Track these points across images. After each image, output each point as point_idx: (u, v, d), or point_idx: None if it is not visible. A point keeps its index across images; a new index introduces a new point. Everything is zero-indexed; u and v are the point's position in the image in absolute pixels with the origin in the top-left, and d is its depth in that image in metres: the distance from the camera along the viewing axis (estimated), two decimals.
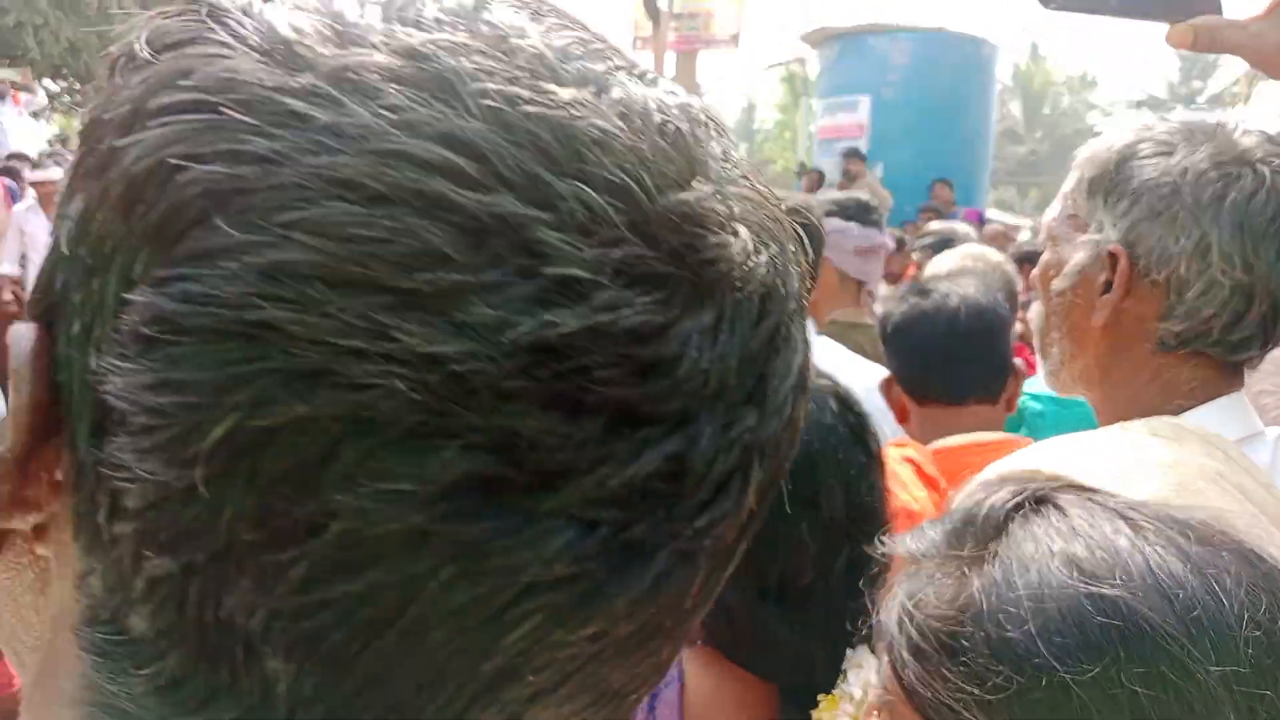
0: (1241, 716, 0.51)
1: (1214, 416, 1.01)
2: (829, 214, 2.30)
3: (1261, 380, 1.54)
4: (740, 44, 10.79)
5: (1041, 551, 0.56)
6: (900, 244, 5.44)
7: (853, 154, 9.26)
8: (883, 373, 1.90)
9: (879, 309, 1.84)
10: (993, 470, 1.06)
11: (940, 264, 2.76)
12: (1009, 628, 0.53)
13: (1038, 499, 0.61)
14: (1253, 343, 1.02)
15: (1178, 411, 1.01)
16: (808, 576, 0.95)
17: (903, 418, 1.74)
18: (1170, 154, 1.01)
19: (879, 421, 1.90)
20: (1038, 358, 1.22)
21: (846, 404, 1.04)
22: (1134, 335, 1.04)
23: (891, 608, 0.60)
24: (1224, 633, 0.51)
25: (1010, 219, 11.52)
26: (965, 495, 0.65)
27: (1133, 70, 33.01)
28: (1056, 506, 0.60)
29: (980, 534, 0.60)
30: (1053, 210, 1.13)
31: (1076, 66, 35.44)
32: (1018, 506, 0.60)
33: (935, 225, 6.11)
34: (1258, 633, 0.52)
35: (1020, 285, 2.97)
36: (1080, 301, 1.06)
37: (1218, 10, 0.95)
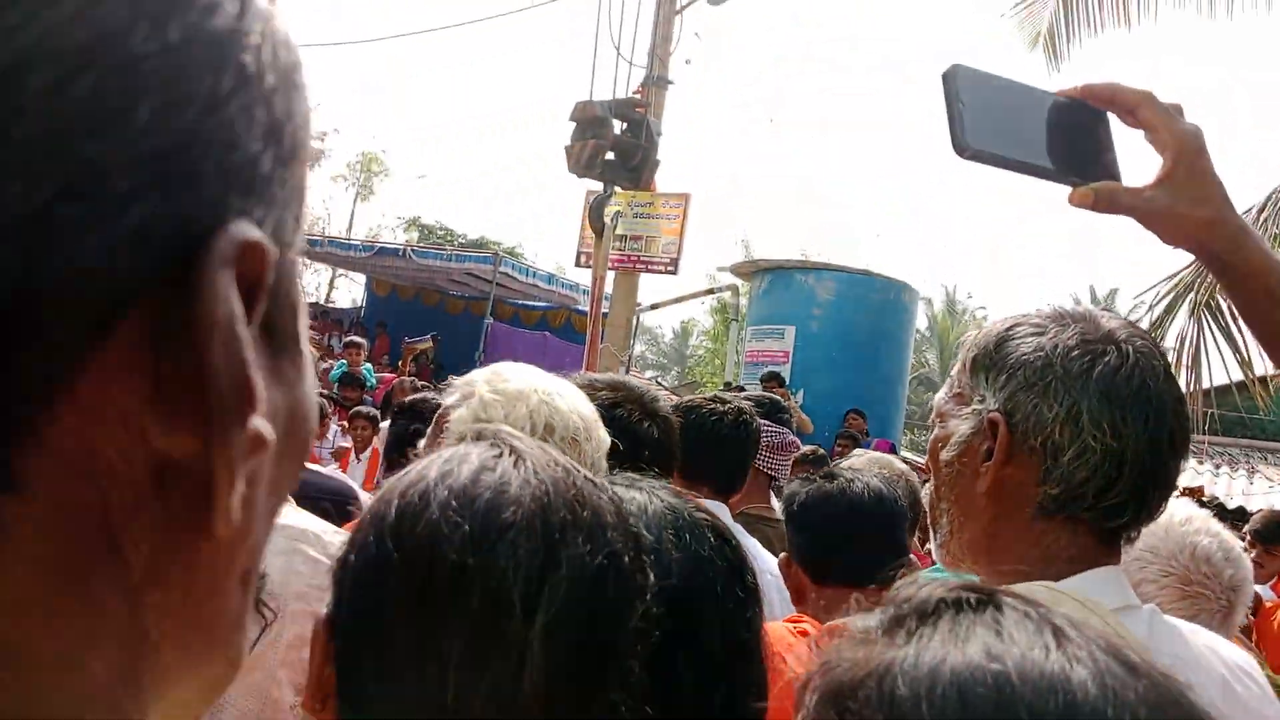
0: None
1: (1091, 585, 1.05)
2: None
3: (1141, 571, 1.65)
4: (679, 270, 11.26)
5: (961, 647, 0.55)
6: (809, 458, 5.60)
7: (770, 377, 9.57)
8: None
9: (786, 489, 1.93)
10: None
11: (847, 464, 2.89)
12: (901, 688, 0.53)
13: (982, 598, 0.60)
14: (1125, 509, 1.07)
15: (1056, 578, 1.05)
16: (685, 713, 0.90)
17: (799, 598, 1.79)
18: (1043, 333, 1.10)
19: (777, 602, 1.95)
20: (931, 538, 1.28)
21: (724, 538, 1.01)
22: (1016, 501, 1.09)
23: (807, 681, 0.59)
24: None
25: (921, 459, 11.82)
26: (903, 584, 0.63)
27: None
28: (997, 606, 0.59)
29: (908, 615, 0.59)
30: (942, 392, 1.21)
31: (991, 319, 37.56)
32: (958, 601, 0.59)
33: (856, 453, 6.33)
34: None
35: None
36: (966, 470, 1.12)
37: (1117, 176, 1.06)
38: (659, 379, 34.77)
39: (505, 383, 1.44)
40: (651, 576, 0.82)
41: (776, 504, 2.39)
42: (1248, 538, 5.02)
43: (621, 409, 1.67)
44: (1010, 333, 1.13)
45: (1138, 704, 0.52)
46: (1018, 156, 1.03)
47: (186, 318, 0.27)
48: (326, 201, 31.15)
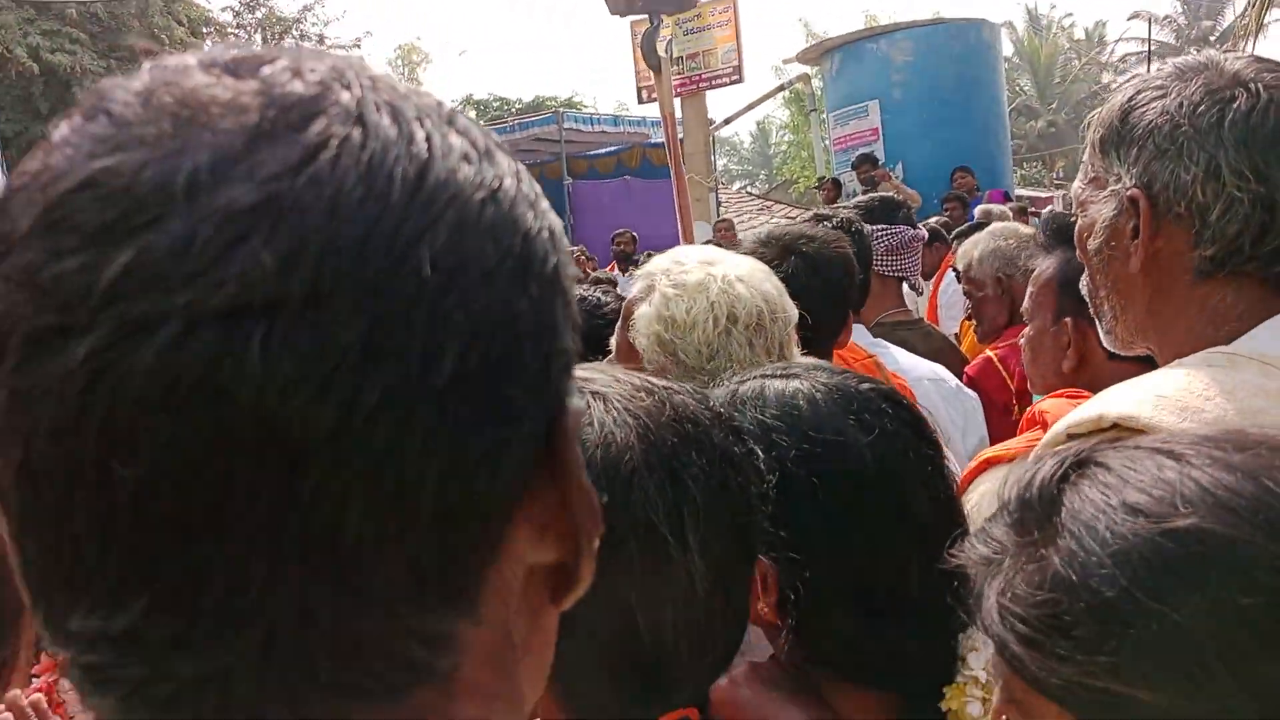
0: None
1: (1267, 338, 1.03)
2: (851, 219, 2.37)
3: None
4: (743, 75, 10.89)
5: (1102, 509, 0.57)
6: (936, 235, 5.44)
7: (862, 160, 9.23)
8: (937, 369, 1.94)
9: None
10: (1063, 423, 1.10)
11: (971, 247, 2.81)
12: (1105, 590, 0.55)
13: (1079, 463, 0.62)
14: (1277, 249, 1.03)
15: (1231, 338, 1.04)
16: (913, 584, 0.93)
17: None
18: (1166, 94, 1.05)
19: (940, 406, 1.96)
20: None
21: (899, 404, 1.02)
22: (1173, 271, 1.06)
23: (988, 609, 0.61)
24: None
25: (1038, 193, 11.39)
26: (1015, 478, 0.66)
27: (1138, 21, 32.51)
28: (1097, 463, 0.61)
29: (1040, 513, 0.61)
30: (1078, 180, 1.18)
31: (1079, 28, 34.99)
32: (1063, 476, 0.62)
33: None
34: None
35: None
36: (1117, 253, 1.09)
37: None
38: (747, 188, 34.12)
39: (685, 274, 1.46)
40: (760, 455, 0.87)
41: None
42: None
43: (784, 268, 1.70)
44: (1133, 102, 1.08)
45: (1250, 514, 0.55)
46: None
47: (554, 471, 0.38)
48: None
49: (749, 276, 1.46)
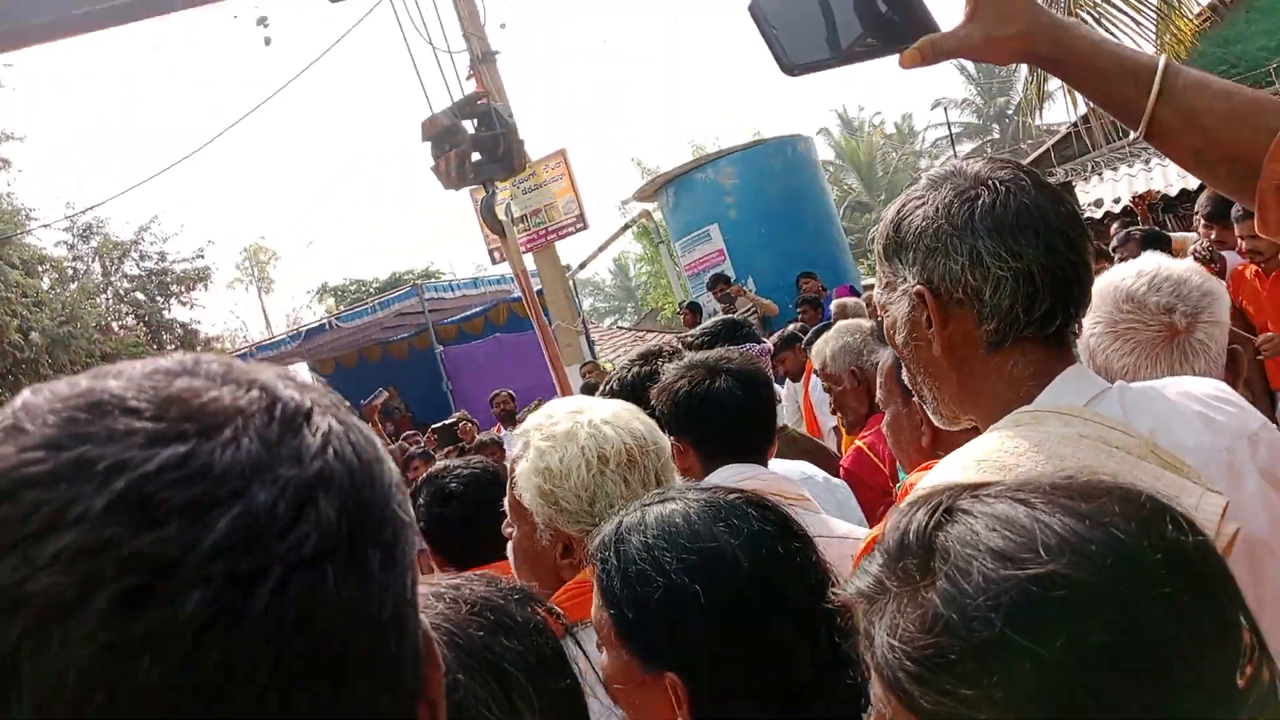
0: (1201, 613, 0.61)
1: (1059, 392, 1.18)
2: (701, 346, 2.48)
3: (1091, 343, 1.75)
4: (588, 221, 11.25)
5: (972, 555, 0.65)
6: (795, 339, 5.70)
7: (715, 281, 9.66)
8: (803, 467, 2.04)
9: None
10: (911, 495, 1.20)
11: (822, 345, 2.97)
12: (983, 630, 0.61)
13: (947, 510, 0.70)
14: (1055, 313, 1.18)
15: (1031, 397, 1.18)
16: (804, 668, 1.02)
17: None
18: (925, 203, 1.21)
19: (844, 500, 2.04)
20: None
21: (763, 507, 1.13)
22: (968, 349, 1.20)
23: (879, 646, 0.67)
24: (1141, 563, 0.62)
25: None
26: (891, 525, 0.74)
27: (940, 109, 35.33)
28: (963, 510, 0.69)
29: (918, 557, 0.68)
30: (875, 287, 1.34)
31: (890, 123, 37.72)
32: (936, 524, 0.69)
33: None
34: (1160, 551, 0.63)
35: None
36: (920, 343, 1.23)
37: (934, 27, 1.13)
38: (618, 323, 34.80)
39: (555, 425, 1.53)
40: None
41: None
42: (1200, 225, 5.16)
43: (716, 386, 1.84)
44: (901, 214, 1.24)
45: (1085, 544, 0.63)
46: (840, 54, 1.11)
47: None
48: (234, 310, 30.56)
49: (615, 418, 1.53)
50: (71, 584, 0.38)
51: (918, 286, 1.20)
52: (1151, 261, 1.76)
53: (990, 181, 1.18)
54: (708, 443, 1.87)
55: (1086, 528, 0.63)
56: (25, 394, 0.45)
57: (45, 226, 18.02)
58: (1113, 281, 1.75)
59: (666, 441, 1.57)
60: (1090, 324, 1.72)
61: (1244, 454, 1.18)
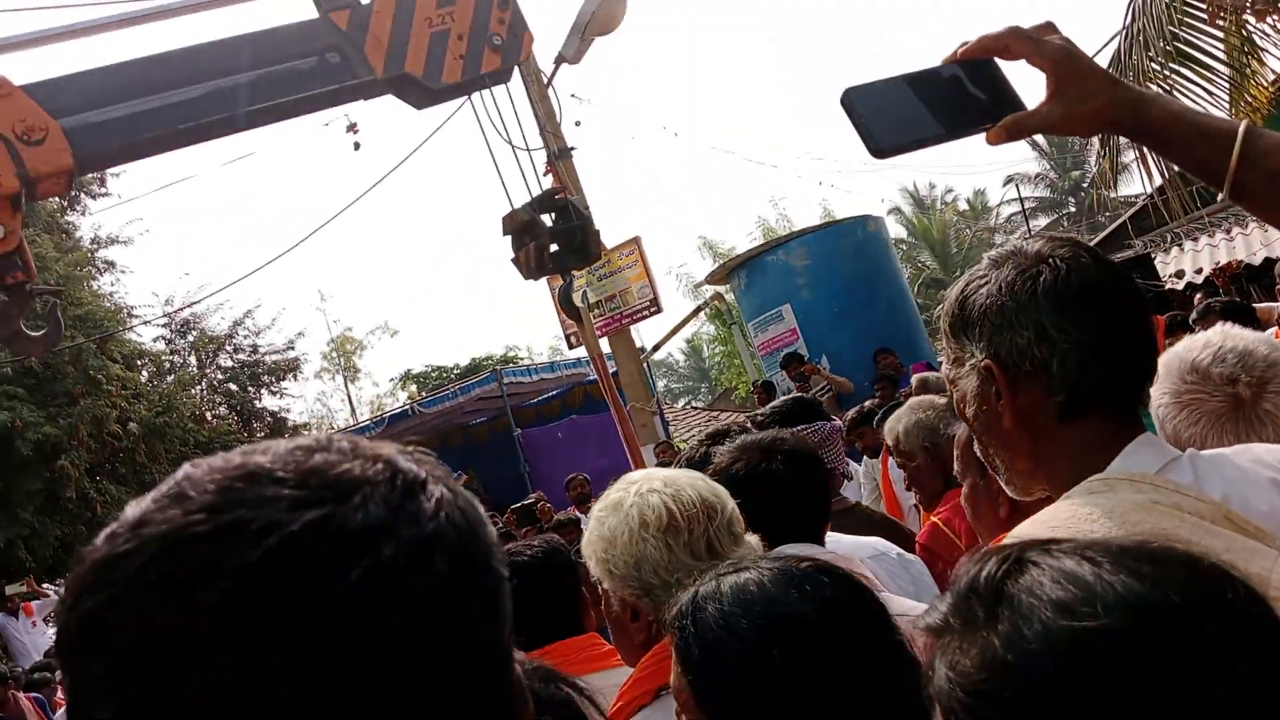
0: (1258, 680, 0.63)
1: (1130, 461, 1.21)
2: (770, 425, 2.52)
3: (1159, 414, 1.76)
4: (661, 305, 11.40)
5: (1035, 604, 0.69)
6: (872, 415, 5.66)
7: (789, 360, 9.68)
8: (877, 543, 2.06)
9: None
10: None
11: (894, 423, 2.99)
12: (1037, 675, 0.65)
13: (1016, 561, 0.74)
14: (1121, 385, 1.23)
15: (1103, 465, 1.21)
16: None
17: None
18: (988, 281, 1.26)
19: (919, 575, 2.04)
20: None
21: (833, 572, 1.18)
22: (1039, 420, 1.24)
23: (939, 680, 0.71)
24: (1189, 626, 0.65)
25: None
26: (963, 570, 0.78)
27: (1013, 185, 35.07)
28: (1031, 562, 0.73)
29: (984, 602, 0.72)
30: (944, 364, 1.38)
31: (962, 200, 37.52)
32: (1005, 573, 0.73)
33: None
34: (1218, 616, 0.66)
35: None
36: (991, 415, 1.27)
37: (1019, 105, 1.18)
38: (692, 402, 34.75)
39: (610, 496, 1.62)
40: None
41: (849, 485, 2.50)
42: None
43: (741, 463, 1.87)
44: (965, 292, 1.29)
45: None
46: (928, 134, 1.16)
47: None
48: (322, 398, 31.34)
49: (666, 485, 1.58)
50: (220, 624, 0.46)
51: (986, 361, 1.24)
52: (1219, 333, 1.78)
53: (1051, 259, 1.23)
54: (762, 524, 1.91)
55: (1146, 589, 0.67)
56: (187, 467, 0.54)
57: (146, 324, 18.93)
58: (1179, 353, 1.76)
59: (729, 506, 1.61)
60: (1158, 394, 1.74)
61: None
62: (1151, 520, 1.12)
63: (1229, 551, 1.05)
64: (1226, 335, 1.76)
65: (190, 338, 20.04)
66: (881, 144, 1.13)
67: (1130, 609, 0.66)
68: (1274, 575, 1.04)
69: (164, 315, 19.15)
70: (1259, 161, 1.10)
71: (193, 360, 19.99)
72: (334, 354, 30.65)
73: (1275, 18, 6.65)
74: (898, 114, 1.15)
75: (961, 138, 1.18)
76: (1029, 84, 1.20)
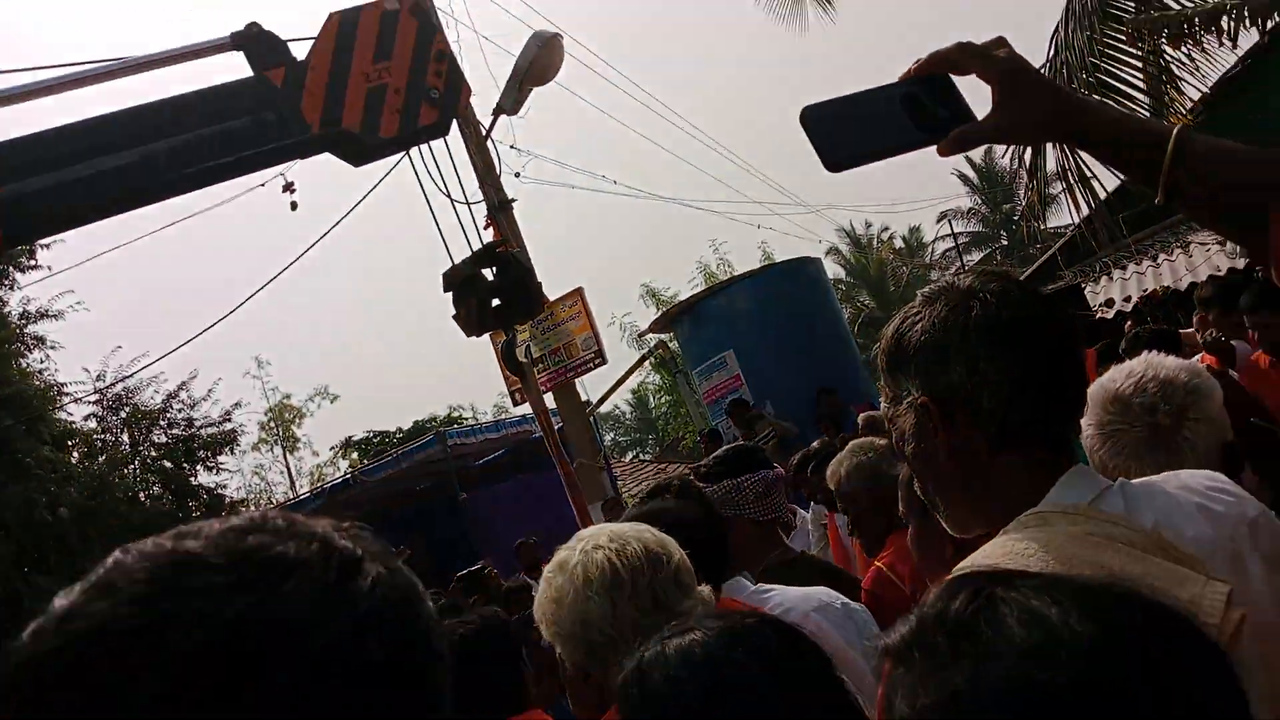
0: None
1: (1063, 493, 1.23)
2: (714, 476, 2.51)
3: (1085, 444, 1.80)
4: (606, 356, 11.38)
5: (999, 646, 0.68)
6: (802, 464, 5.57)
7: (733, 407, 9.72)
8: (821, 593, 2.06)
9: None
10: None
11: (836, 466, 2.99)
12: (999, 712, 0.66)
13: (984, 596, 0.74)
14: (1052, 418, 1.25)
15: (1036, 501, 1.23)
16: None
17: None
18: (920, 318, 1.29)
19: (865, 624, 2.03)
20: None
21: (777, 626, 1.18)
22: (973, 455, 1.26)
23: (896, 712, 0.71)
24: (1149, 675, 0.65)
25: None
26: (930, 600, 0.78)
27: (946, 221, 35.99)
28: (1000, 600, 0.73)
29: (948, 636, 0.72)
30: (883, 403, 1.39)
31: (898, 238, 38.28)
32: (975, 610, 0.73)
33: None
34: (1169, 667, 0.66)
35: None
36: (930, 452, 1.29)
37: (969, 116, 1.21)
38: (640, 455, 34.66)
39: (558, 555, 1.60)
40: None
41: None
42: (1197, 315, 5.18)
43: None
44: (900, 330, 1.32)
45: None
46: (880, 146, 1.19)
47: None
48: (260, 470, 30.55)
49: (614, 539, 1.57)
50: None
51: (922, 398, 1.26)
52: (1142, 362, 1.82)
53: (981, 294, 1.26)
54: None
55: (1110, 636, 0.67)
56: (117, 554, 0.53)
57: (76, 401, 18.40)
58: (1103, 384, 1.81)
59: (675, 557, 1.59)
60: (1085, 425, 1.77)
61: (1245, 541, 1.22)
62: (1087, 552, 1.13)
63: (1160, 579, 1.06)
64: (1149, 364, 1.81)
65: (123, 414, 19.50)
66: (836, 157, 1.17)
67: (1093, 657, 0.66)
68: (1203, 601, 1.06)
69: (95, 391, 18.64)
70: (1190, 162, 1.15)
71: (126, 438, 19.43)
72: (272, 424, 30.03)
73: (1189, 45, 6.96)
74: (852, 129, 1.19)
75: (917, 148, 1.21)
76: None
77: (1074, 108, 1.21)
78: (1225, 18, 6.69)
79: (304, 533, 0.54)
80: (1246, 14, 6.57)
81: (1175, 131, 1.17)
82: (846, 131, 1.18)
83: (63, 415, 17.91)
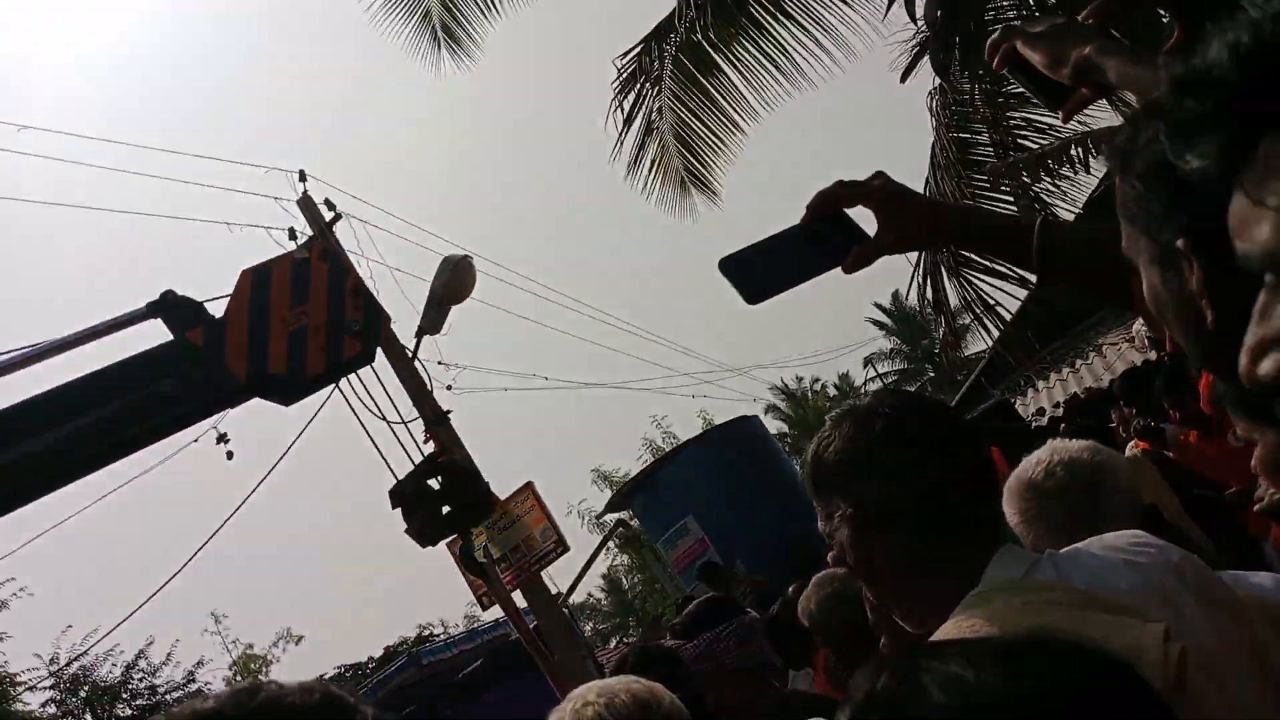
0: None
1: (998, 570, 1.31)
2: (691, 632, 2.51)
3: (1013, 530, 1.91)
4: (568, 544, 11.22)
5: (924, 717, 0.70)
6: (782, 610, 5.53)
7: (704, 571, 9.63)
8: None
9: None
10: None
11: (805, 603, 2.99)
12: None
13: (907, 671, 0.75)
14: (972, 510, 1.34)
15: (976, 582, 1.29)
16: None
17: None
18: (834, 440, 1.40)
19: None
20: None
21: None
22: (908, 553, 1.33)
23: None
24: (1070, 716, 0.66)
25: None
26: (855, 682, 0.81)
27: (871, 365, 37.01)
28: (923, 670, 0.74)
29: (878, 713, 0.73)
30: (820, 521, 1.46)
31: (830, 386, 39.05)
32: (897, 684, 0.74)
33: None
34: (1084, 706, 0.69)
35: None
36: (868, 559, 1.36)
37: (863, 238, 1.36)
38: (623, 640, 33.58)
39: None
40: None
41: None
42: (1117, 411, 5.40)
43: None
44: (817, 451, 1.43)
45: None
46: (791, 276, 1.34)
47: None
48: None
49: (602, 693, 1.60)
50: None
51: (849, 510, 1.36)
52: (1047, 449, 1.96)
53: (881, 410, 1.39)
54: None
55: (1023, 688, 0.71)
56: None
57: (32, 689, 17.41)
58: (1016, 475, 1.93)
59: (665, 701, 1.62)
60: (1010, 515, 1.89)
61: (1174, 582, 1.30)
62: (1028, 619, 1.20)
63: (1098, 629, 1.14)
64: (1053, 450, 1.94)
65: (82, 694, 18.45)
66: (752, 292, 1.32)
67: (1008, 710, 0.70)
68: (1143, 641, 1.13)
69: (50, 675, 17.67)
70: (1057, 248, 1.28)
71: (89, 718, 18.30)
72: (239, 676, 28.57)
73: (1050, 179, 7.42)
74: (764, 268, 1.33)
75: (819, 275, 1.36)
76: None
77: (949, 211, 1.38)
78: (1075, 147, 7.21)
79: (304, 688, 0.62)
80: (1090, 143, 7.09)
81: (1038, 224, 1.33)
82: (759, 269, 1.33)
83: (19, 707, 16.86)
